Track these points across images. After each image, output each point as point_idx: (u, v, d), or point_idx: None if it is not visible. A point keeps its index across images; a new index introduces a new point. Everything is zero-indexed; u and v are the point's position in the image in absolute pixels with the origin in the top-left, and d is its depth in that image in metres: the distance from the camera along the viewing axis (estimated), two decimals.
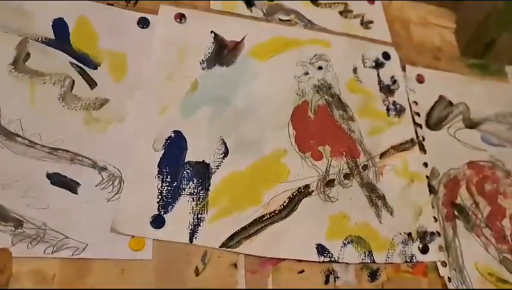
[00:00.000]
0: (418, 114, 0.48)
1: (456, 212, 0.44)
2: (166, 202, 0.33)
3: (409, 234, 0.41)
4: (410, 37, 0.55)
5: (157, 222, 0.32)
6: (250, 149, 0.39)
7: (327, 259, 0.37)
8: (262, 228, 0.36)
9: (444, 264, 0.41)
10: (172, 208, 0.33)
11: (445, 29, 0.58)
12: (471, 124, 0.50)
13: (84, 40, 0.36)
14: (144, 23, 0.39)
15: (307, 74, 0.45)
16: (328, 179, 0.41)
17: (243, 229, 0.35)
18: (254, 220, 0.36)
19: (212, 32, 0.42)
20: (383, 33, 0.52)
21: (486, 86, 0.53)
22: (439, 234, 0.42)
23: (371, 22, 0.52)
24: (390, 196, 0.42)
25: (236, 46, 0.43)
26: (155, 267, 0.31)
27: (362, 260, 0.38)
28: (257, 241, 0.35)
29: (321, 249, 0.37)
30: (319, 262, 0.37)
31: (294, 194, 0.39)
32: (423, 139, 0.46)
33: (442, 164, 0.46)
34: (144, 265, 0.30)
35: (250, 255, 0.34)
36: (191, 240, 0.33)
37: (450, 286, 0.40)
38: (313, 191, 0.39)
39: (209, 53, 0.41)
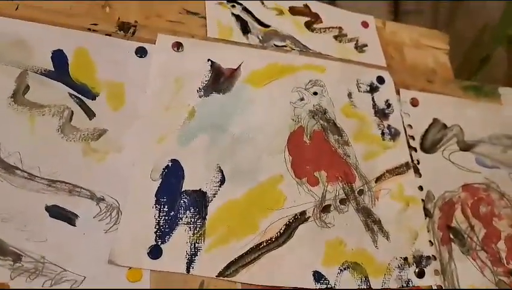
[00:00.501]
0: (412, 137, 0.48)
1: (451, 236, 0.45)
2: (164, 232, 0.34)
3: (405, 259, 0.41)
4: (404, 59, 0.55)
5: (154, 252, 0.32)
6: (247, 176, 0.39)
7: (324, 286, 0.37)
8: (259, 256, 0.36)
9: (440, 288, 0.41)
10: (169, 238, 0.34)
11: (438, 51, 0.59)
12: (466, 147, 0.50)
13: (82, 70, 0.37)
14: (141, 52, 0.40)
15: (302, 99, 0.45)
16: (324, 205, 0.41)
17: (240, 257, 0.35)
18: (251, 248, 0.36)
19: (209, 60, 0.43)
20: (377, 56, 0.53)
21: (480, 108, 0.53)
22: (435, 258, 0.43)
23: (365, 45, 0.53)
24: (386, 220, 0.43)
25: (233, 73, 0.43)
26: None
27: (359, 286, 0.39)
28: (254, 269, 0.35)
29: (318, 276, 0.37)
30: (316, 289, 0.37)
31: (291, 220, 0.39)
32: (418, 163, 0.47)
33: (437, 187, 0.47)
34: None
35: (247, 283, 0.35)
36: (188, 270, 0.33)
37: None
38: (309, 217, 0.40)
39: (206, 81, 0.42)
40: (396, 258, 0.41)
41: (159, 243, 0.33)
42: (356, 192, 0.43)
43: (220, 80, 0.43)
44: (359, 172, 0.44)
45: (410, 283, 0.41)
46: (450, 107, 0.52)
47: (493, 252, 0.45)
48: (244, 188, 0.38)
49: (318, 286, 0.37)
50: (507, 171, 0.51)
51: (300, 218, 0.39)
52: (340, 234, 0.40)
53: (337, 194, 0.42)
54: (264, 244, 0.37)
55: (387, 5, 1.08)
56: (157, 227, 0.34)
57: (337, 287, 0.37)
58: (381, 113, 0.48)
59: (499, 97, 0.56)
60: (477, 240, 0.46)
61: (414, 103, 0.51)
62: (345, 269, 0.39)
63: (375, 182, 0.44)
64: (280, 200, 0.40)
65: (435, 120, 0.51)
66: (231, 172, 0.39)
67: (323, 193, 0.42)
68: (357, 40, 0.53)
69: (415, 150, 0.48)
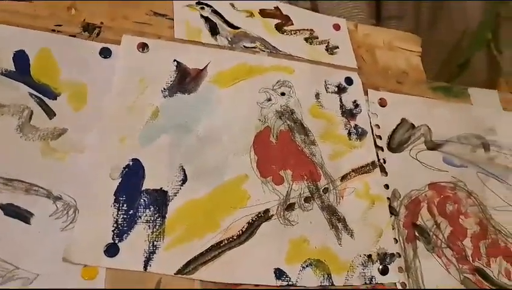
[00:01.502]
0: (379, 137, 0.49)
1: (416, 233, 0.45)
2: (122, 230, 0.34)
3: (369, 256, 0.42)
4: (376, 61, 0.56)
5: (111, 250, 0.33)
6: (210, 176, 0.40)
7: (285, 283, 0.37)
8: (220, 254, 0.36)
9: (403, 285, 0.42)
10: (127, 236, 0.34)
11: (411, 53, 0.60)
12: (433, 146, 0.51)
13: (44, 71, 0.37)
14: (106, 53, 0.40)
15: (269, 100, 0.46)
16: (288, 203, 0.41)
17: (200, 255, 0.36)
18: (212, 246, 0.36)
19: (174, 60, 0.43)
20: (348, 59, 0.54)
21: (450, 108, 0.54)
22: (399, 255, 0.43)
23: (337, 47, 0.54)
24: (350, 218, 0.43)
25: (199, 74, 0.44)
26: None
27: (321, 283, 0.39)
28: (214, 267, 0.36)
29: (279, 273, 0.38)
30: (277, 287, 0.37)
31: (254, 219, 0.39)
32: (384, 162, 0.47)
33: (403, 185, 0.47)
34: None
35: (206, 281, 0.35)
36: (145, 268, 0.33)
37: None
38: (272, 215, 0.40)
39: (171, 81, 0.42)
40: (360, 256, 0.42)
41: (116, 241, 0.33)
42: (321, 190, 0.43)
43: (185, 80, 0.43)
44: (325, 171, 0.44)
45: (373, 280, 0.41)
46: (419, 107, 0.53)
47: (459, 249, 0.46)
48: (207, 187, 0.39)
49: (279, 282, 0.37)
50: (475, 170, 0.51)
51: (263, 216, 0.40)
52: (304, 231, 0.41)
53: (302, 192, 0.43)
54: (226, 242, 0.37)
55: (369, 10, 1.09)
56: (115, 225, 0.34)
57: (298, 284, 0.38)
58: (349, 114, 0.49)
59: (468, 97, 0.57)
60: (442, 237, 0.46)
61: (382, 103, 0.51)
62: (307, 266, 0.39)
63: (341, 180, 0.45)
64: (244, 199, 0.40)
65: (403, 120, 0.51)
66: (194, 172, 0.39)
67: (288, 192, 0.42)
68: (328, 42, 0.54)
69: (382, 149, 0.48)
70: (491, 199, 0.50)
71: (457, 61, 0.94)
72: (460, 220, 0.48)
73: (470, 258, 0.46)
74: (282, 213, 0.41)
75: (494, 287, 0.45)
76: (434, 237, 0.46)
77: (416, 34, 0.61)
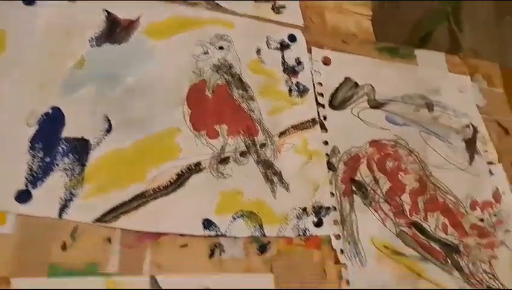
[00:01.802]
0: (321, 95, 0.48)
1: (354, 188, 0.45)
2: (36, 177, 0.32)
3: (304, 209, 0.42)
4: (325, 23, 0.55)
5: (23, 196, 0.31)
6: (138, 127, 0.38)
7: (213, 233, 0.37)
8: (144, 203, 0.36)
9: (338, 237, 0.42)
10: (42, 183, 0.33)
11: (361, 17, 0.59)
12: (376, 105, 0.51)
13: None
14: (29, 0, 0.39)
15: (206, 53, 0.45)
16: (223, 157, 0.41)
17: (122, 204, 0.35)
18: (135, 196, 0.36)
19: (104, 10, 0.42)
20: (294, 18, 0.53)
21: (395, 68, 0.54)
22: (335, 209, 0.43)
23: (283, 6, 0.53)
24: (287, 173, 0.43)
25: (131, 24, 0.42)
26: (16, 242, 0.30)
27: (252, 233, 0.39)
28: (137, 216, 0.35)
29: (207, 224, 0.37)
30: (205, 236, 0.37)
31: (184, 171, 0.39)
32: (325, 118, 0.47)
33: (343, 142, 0.47)
34: (4, 240, 0.30)
35: (128, 230, 0.34)
36: (60, 215, 0.32)
37: (341, 258, 0.41)
38: (204, 168, 0.40)
39: (100, 31, 0.41)
40: (295, 209, 0.41)
41: (30, 187, 0.32)
42: (258, 145, 0.43)
43: (115, 30, 0.41)
44: (263, 126, 0.44)
45: (307, 231, 0.41)
46: (363, 66, 0.53)
47: (396, 204, 0.46)
48: (133, 138, 0.38)
49: (207, 232, 0.37)
50: (417, 129, 0.52)
51: (194, 169, 0.39)
52: (238, 184, 0.40)
53: (237, 147, 0.42)
54: (151, 192, 0.36)
55: None
56: (29, 172, 0.33)
57: (227, 235, 0.37)
58: (291, 70, 0.48)
59: (415, 59, 0.57)
60: (380, 193, 0.46)
61: (326, 61, 0.51)
62: (238, 217, 0.39)
63: (279, 136, 0.44)
64: (174, 152, 0.39)
65: (347, 79, 0.51)
66: (120, 122, 0.38)
67: (222, 146, 0.41)
68: (275, 2, 0.53)
69: (323, 106, 0.48)
70: (432, 157, 0.51)
71: (418, 35, 0.95)
72: (399, 176, 0.48)
73: (408, 212, 0.46)
74: (215, 166, 0.40)
75: (429, 240, 0.45)
76: (372, 192, 0.46)
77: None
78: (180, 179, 0.38)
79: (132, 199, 0.35)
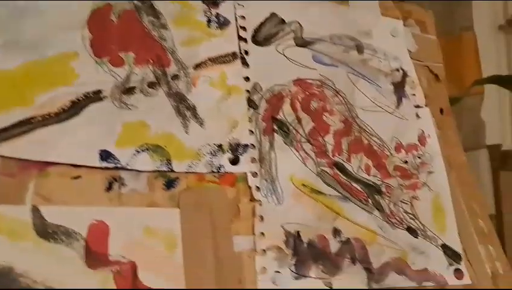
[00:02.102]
0: (244, 28, 0.45)
1: (275, 127, 0.43)
2: None
3: (220, 146, 0.39)
4: None
5: None
6: (27, 49, 0.34)
7: (111, 165, 0.34)
8: (31, 130, 0.32)
9: (255, 175, 0.40)
10: None
11: None
12: (303, 43, 0.48)
13: None
14: None
15: None
16: (128, 87, 0.37)
17: (3, 129, 0.31)
18: (20, 121, 0.32)
19: None
20: None
21: (324, 8, 0.52)
22: (253, 147, 0.41)
23: None
24: (202, 107, 0.40)
25: None
26: None
27: (157, 168, 0.36)
28: (21, 143, 0.31)
29: (105, 155, 0.34)
30: (101, 168, 0.34)
31: (80, 98, 0.35)
32: (246, 54, 0.44)
33: (266, 79, 0.44)
34: None
35: (10, 158, 0.31)
36: None
37: (257, 195, 0.39)
38: (105, 96, 0.36)
39: None
40: (209, 145, 0.39)
41: None
42: (169, 77, 0.40)
43: None
44: (176, 57, 0.40)
45: (222, 168, 0.38)
46: (292, 3, 0.50)
47: (319, 144, 0.45)
48: (20, 60, 0.33)
49: (104, 164, 0.33)
50: (345, 71, 0.50)
51: (93, 97, 0.35)
52: (144, 116, 0.37)
53: (145, 77, 0.39)
54: (39, 119, 0.32)
55: None
56: None
57: (129, 167, 0.35)
58: (211, 1, 0.45)
59: (347, 0, 0.55)
60: (303, 132, 0.45)
61: None
62: (143, 151, 0.36)
63: (194, 68, 0.41)
64: (69, 77, 0.35)
65: (273, 14, 0.48)
66: (5, 42, 0.33)
67: (128, 74, 0.38)
68: None
69: (245, 41, 0.45)
70: (359, 99, 0.49)
71: None
72: (324, 117, 0.46)
73: (330, 153, 0.45)
74: (118, 96, 0.37)
75: (351, 180, 0.45)
76: (294, 131, 0.44)
77: None
78: (76, 107, 0.34)
79: (16, 125, 0.31)
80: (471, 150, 1.06)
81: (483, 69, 1.04)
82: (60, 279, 0.28)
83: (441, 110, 0.55)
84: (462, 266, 0.45)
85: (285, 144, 0.43)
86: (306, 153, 0.44)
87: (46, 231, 0.29)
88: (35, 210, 0.29)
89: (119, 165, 0.34)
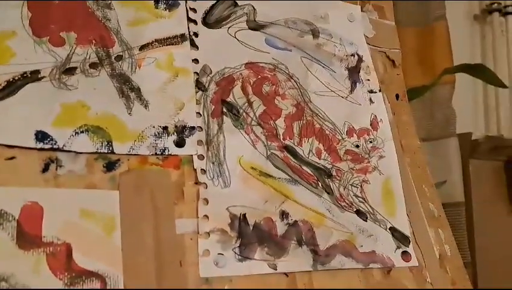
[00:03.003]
0: (194, 10, 0.45)
1: (225, 110, 0.43)
2: None
3: (165, 128, 0.39)
4: None
5: None
6: None
7: (48, 146, 0.33)
8: None
9: (201, 157, 0.40)
10: None
11: None
12: (256, 26, 0.48)
13: None
14: None
15: None
16: (68, 67, 0.37)
17: None
18: None
19: None
20: None
21: None
22: (201, 129, 0.41)
23: None
24: (147, 89, 0.39)
25: None
26: None
27: (97, 150, 0.35)
28: None
29: (41, 136, 0.33)
30: (37, 149, 0.33)
31: (17, 78, 0.34)
32: (196, 35, 0.44)
33: (216, 62, 0.44)
34: None
35: None
36: None
37: (202, 178, 0.38)
38: (43, 77, 0.35)
39: None
40: (154, 127, 0.38)
41: None
42: (113, 57, 0.39)
43: None
44: (120, 38, 0.40)
45: (166, 151, 0.38)
46: None
47: (270, 128, 0.45)
48: None
49: (40, 145, 0.33)
50: (299, 55, 0.50)
51: (30, 76, 0.34)
52: (84, 97, 0.36)
53: (87, 57, 0.38)
54: None
55: None
56: None
57: (66, 148, 0.34)
58: None
59: None
60: (254, 115, 0.44)
61: None
62: (82, 132, 0.35)
63: (140, 49, 0.40)
64: (5, 56, 0.34)
65: None
66: None
67: (68, 55, 0.37)
68: None
69: (195, 23, 0.45)
70: (312, 83, 0.49)
71: None
72: (276, 101, 0.46)
73: (281, 136, 0.45)
74: (57, 76, 0.36)
75: (301, 164, 0.45)
76: (244, 114, 0.44)
77: None
78: (12, 87, 0.34)
79: None
80: (442, 138, 1.08)
81: (457, 59, 1.05)
82: None
83: (397, 96, 0.56)
84: (410, 249, 0.46)
85: (235, 126, 0.43)
86: (256, 136, 0.44)
87: None
88: None
89: (55, 146, 0.34)
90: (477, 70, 0.96)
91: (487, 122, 1.29)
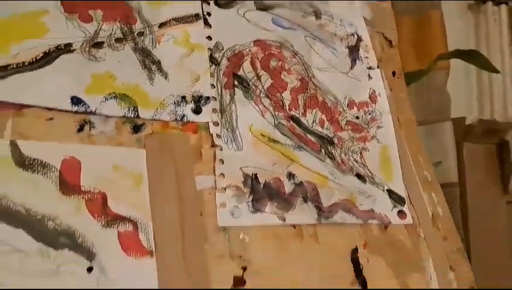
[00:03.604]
0: None
1: (236, 82, 0.47)
2: None
3: (183, 97, 0.43)
4: None
5: None
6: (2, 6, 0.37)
7: (82, 110, 0.37)
8: (5, 76, 0.35)
9: (216, 124, 0.44)
10: None
11: None
12: (263, 7, 0.52)
13: None
14: None
15: None
16: (96, 41, 0.41)
17: None
18: None
19: None
20: None
21: None
22: (215, 99, 0.45)
23: None
24: (166, 62, 0.43)
25: None
26: None
27: (125, 114, 0.39)
28: None
29: (76, 101, 0.37)
30: (73, 112, 0.37)
31: (52, 50, 0.38)
32: (209, 15, 0.48)
33: (227, 39, 0.48)
34: None
35: None
36: None
37: (218, 141, 0.43)
38: (75, 49, 0.39)
39: None
40: (173, 96, 0.42)
41: None
42: (136, 33, 0.43)
43: None
44: (141, 16, 0.44)
45: (185, 117, 0.42)
46: None
47: (277, 100, 0.49)
48: None
49: (76, 108, 0.37)
50: (303, 34, 0.54)
51: (63, 49, 0.39)
52: (111, 68, 0.40)
53: (112, 33, 0.42)
54: (14, 66, 0.36)
55: None
56: None
57: (97, 112, 0.38)
58: None
59: None
60: (262, 88, 0.49)
61: None
62: (111, 98, 0.39)
63: (159, 27, 0.44)
64: (40, 31, 0.38)
65: None
66: None
67: (96, 30, 0.41)
68: None
69: (208, 3, 0.49)
70: (315, 60, 0.54)
71: None
72: (282, 75, 0.51)
73: (287, 107, 0.49)
74: (87, 49, 0.40)
75: (305, 132, 0.49)
76: (253, 87, 0.48)
77: None
78: (48, 57, 0.38)
79: None
80: (437, 122, 1.13)
81: (452, 47, 1.09)
82: (37, 203, 0.32)
83: (393, 73, 0.60)
84: (405, 208, 0.50)
85: (245, 98, 0.47)
86: (265, 106, 0.48)
87: (23, 163, 0.33)
88: (13, 144, 0.33)
89: (88, 110, 0.38)
90: (471, 56, 1.00)
91: (481, 107, 1.33)
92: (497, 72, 0.99)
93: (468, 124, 1.11)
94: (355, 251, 0.45)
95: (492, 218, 1.12)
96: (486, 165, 1.15)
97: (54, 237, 0.32)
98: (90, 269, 0.32)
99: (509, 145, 1.15)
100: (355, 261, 0.44)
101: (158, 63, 0.43)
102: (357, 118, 0.53)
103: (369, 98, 0.55)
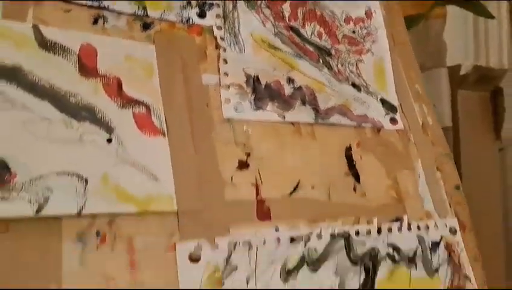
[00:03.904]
0: None
1: None
2: None
3: (188, 2, 0.45)
4: None
5: None
6: None
7: (96, 4, 0.40)
8: None
9: (219, 28, 0.47)
10: None
11: None
12: None
13: None
14: None
15: None
16: None
17: None
18: None
19: None
20: None
21: None
22: (218, 6, 0.47)
23: None
24: None
25: None
26: None
27: (135, 12, 0.42)
28: None
29: None
30: (87, 6, 0.40)
31: None
32: None
33: None
34: None
35: None
36: None
37: (221, 43, 0.46)
38: None
39: None
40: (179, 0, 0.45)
41: None
42: None
43: None
44: None
45: (190, 20, 0.45)
46: None
47: (277, 11, 0.51)
48: None
49: (90, 3, 0.39)
50: None
51: None
52: None
53: None
54: None
55: None
56: None
57: (110, 8, 0.40)
58: None
59: None
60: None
61: None
62: None
63: None
64: None
65: None
66: None
67: None
68: None
69: None
70: None
71: None
72: None
73: (287, 18, 0.52)
74: None
75: (304, 42, 0.52)
76: None
77: None
78: None
79: None
80: (433, 68, 1.15)
81: None
82: (60, 81, 0.35)
83: None
84: (397, 116, 0.53)
85: (247, 7, 0.49)
86: (265, 16, 0.50)
87: (46, 45, 0.35)
88: (35, 27, 0.35)
89: (102, 5, 0.40)
90: (467, 2, 1.01)
91: (477, 54, 1.35)
92: (492, 17, 1.01)
93: (463, 74, 1.13)
94: (349, 149, 0.48)
95: (484, 163, 1.16)
96: (480, 112, 1.18)
97: (76, 110, 0.35)
98: (109, 140, 0.35)
99: (503, 92, 1.18)
100: (349, 158, 0.48)
101: None
102: (354, 32, 0.56)
103: (365, 14, 0.57)
